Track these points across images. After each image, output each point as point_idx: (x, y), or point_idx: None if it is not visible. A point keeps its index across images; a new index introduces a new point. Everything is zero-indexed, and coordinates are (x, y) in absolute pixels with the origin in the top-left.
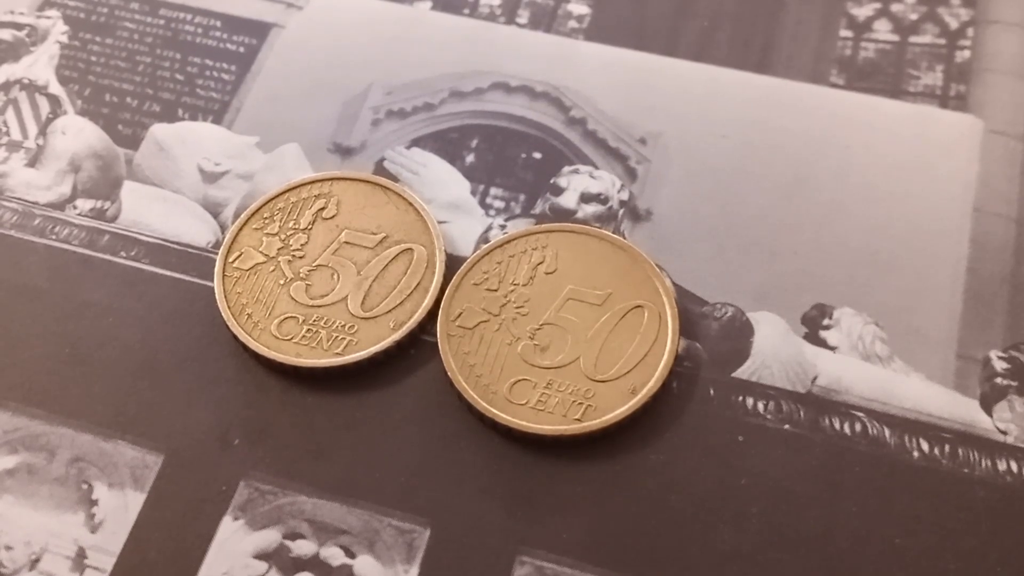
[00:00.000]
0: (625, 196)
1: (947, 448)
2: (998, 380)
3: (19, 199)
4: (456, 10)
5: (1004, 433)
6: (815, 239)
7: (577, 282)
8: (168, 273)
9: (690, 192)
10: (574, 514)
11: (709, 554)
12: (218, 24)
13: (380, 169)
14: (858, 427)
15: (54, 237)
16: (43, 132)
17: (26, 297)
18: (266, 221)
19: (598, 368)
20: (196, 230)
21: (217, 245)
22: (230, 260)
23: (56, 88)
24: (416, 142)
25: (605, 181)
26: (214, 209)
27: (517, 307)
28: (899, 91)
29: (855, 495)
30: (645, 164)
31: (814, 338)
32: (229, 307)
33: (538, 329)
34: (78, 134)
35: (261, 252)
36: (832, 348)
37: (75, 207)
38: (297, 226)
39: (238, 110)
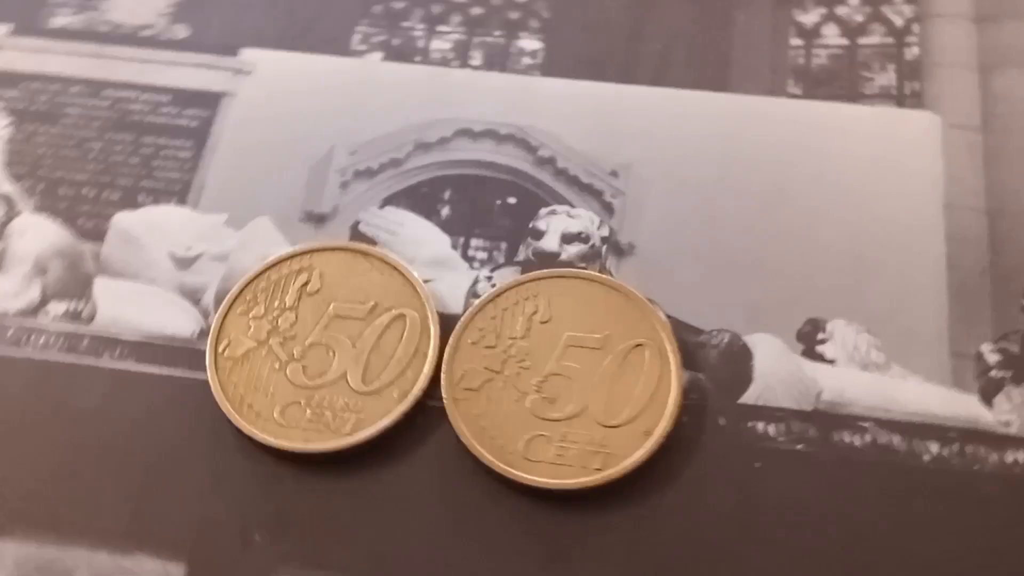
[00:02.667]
0: (606, 232)
1: (955, 447)
2: (993, 373)
3: None
4: (408, 59)
5: (1007, 425)
6: (798, 251)
7: (574, 328)
8: (157, 371)
9: (669, 220)
10: (608, 563)
11: None
12: (166, 99)
13: (356, 233)
14: (867, 438)
15: (32, 348)
16: (0, 236)
17: (13, 414)
18: (250, 304)
19: (609, 414)
20: (178, 321)
21: (203, 334)
22: (220, 350)
23: (7, 187)
24: (388, 200)
25: (584, 219)
26: (192, 296)
27: (519, 361)
28: (856, 95)
29: (874, 505)
30: (621, 197)
31: (811, 353)
32: (228, 399)
33: (543, 381)
34: (38, 234)
35: (250, 338)
36: (830, 361)
37: (47, 312)
38: (283, 305)
39: (201, 188)
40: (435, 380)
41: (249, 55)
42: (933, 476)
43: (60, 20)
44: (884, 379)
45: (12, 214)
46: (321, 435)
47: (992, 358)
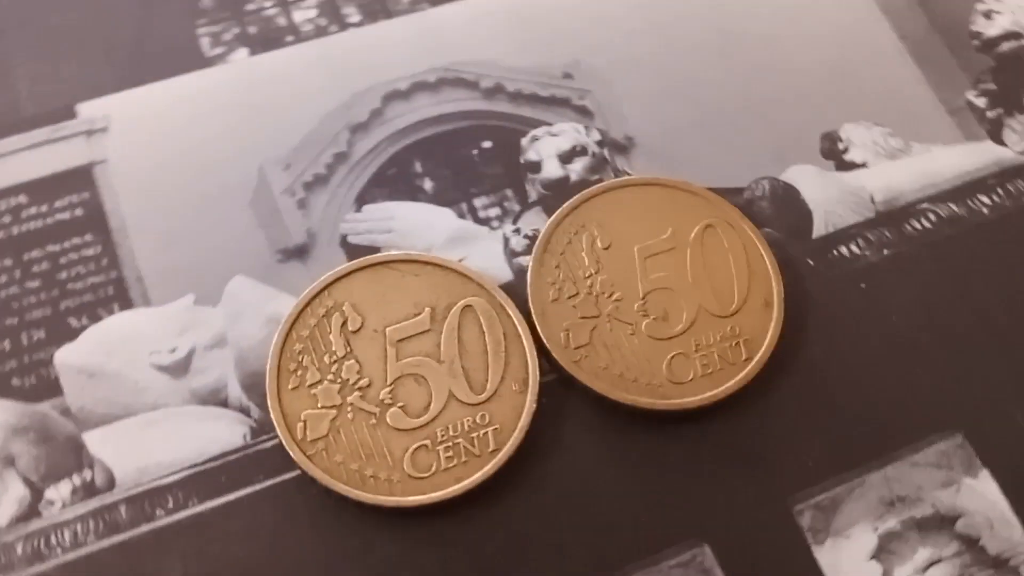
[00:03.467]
0: (597, 136)
1: (999, 192)
2: (988, 114)
3: None
4: (278, 43)
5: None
6: (777, 80)
7: (637, 239)
8: (232, 497)
9: (645, 99)
10: (803, 438)
11: (927, 385)
12: (24, 200)
13: (350, 249)
14: (933, 217)
15: (60, 552)
16: None
17: None
18: (298, 374)
19: (722, 303)
20: (218, 433)
21: (258, 432)
22: (300, 438)
23: None
24: (361, 199)
25: (569, 132)
26: (214, 398)
27: (609, 296)
28: None
29: (972, 269)
30: (589, 96)
31: (844, 165)
32: (346, 481)
33: (644, 303)
34: None
35: (325, 408)
36: (863, 165)
37: (50, 503)
38: (335, 356)
39: (138, 279)
40: (544, 354)
41: (92, 109)
42: (998, 224)
43: None
44: (914, 160)
45: None
46: (470, 466)
47: (980, 102)
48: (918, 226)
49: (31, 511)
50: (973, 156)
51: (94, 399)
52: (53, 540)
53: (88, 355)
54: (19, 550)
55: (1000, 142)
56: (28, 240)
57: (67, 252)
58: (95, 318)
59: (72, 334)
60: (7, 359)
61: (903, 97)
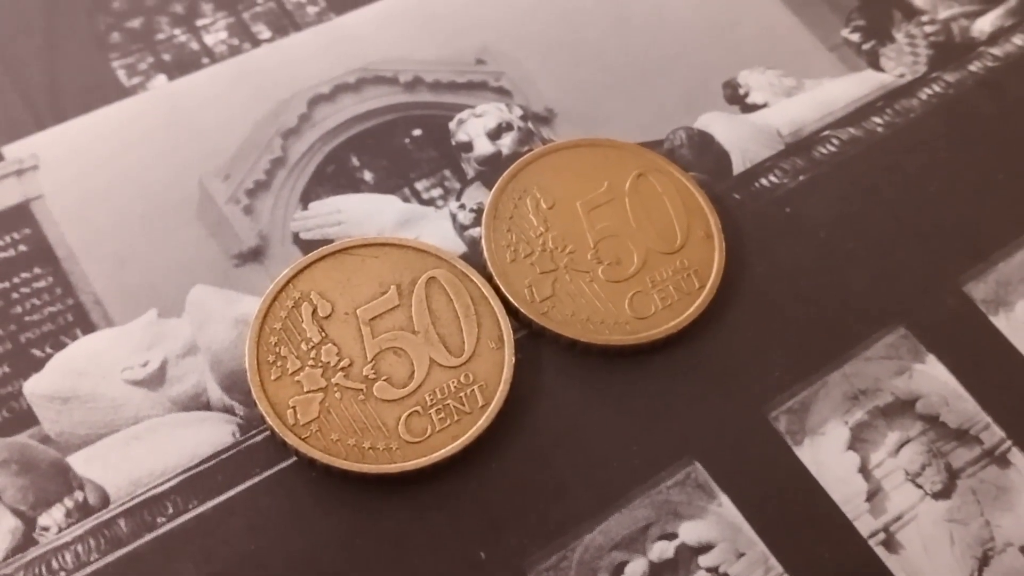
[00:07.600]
0: (520, 111)
1: (888, 112)
2: (864, 47)
3: None
4: (195, 66)
5: (903, 76)
6: (671, 39)
7: (578, 195)
8: (232, 494)
9: (559, 71)
10: (765, 352)
11: (864, 287)
12: None
13: (305, 245)
14: (836, 141)
15: (66, 573)
16: None
17: None
18: (278, 365)
19: (667, 241)
20: (207, 435)
21: (247, 428)
22: (292, 424)
23: None
24: (306, 198)
25: (492, 112)
26: (196, 403)
27: (563, 250)
28: None
29: (879, 179)
30: (504, 77)
31: (748, 107)
32: (345, 457)
33: (596, 252)
34: None
35: (311, 392)
36: (765, 105)
37: (45, 530)
38: (312, 342)
39: (98, 302)
40: (512, 313)
41: (19, 150)
42: (891, 139)
43: None
44: (808, 94)
45: None
46: (463, 423)
47: (854, 36)
48: (824, 151)
49: (26, 540)
50: (859, 84)
51: (72, 423)
52: (55, 564)
53: (58, 382)
54: None
55: (879, 69)
56: None
57: (18, 287)
58: (59, 346)
59: (38, 364)
60: None
61: (785, 41)
